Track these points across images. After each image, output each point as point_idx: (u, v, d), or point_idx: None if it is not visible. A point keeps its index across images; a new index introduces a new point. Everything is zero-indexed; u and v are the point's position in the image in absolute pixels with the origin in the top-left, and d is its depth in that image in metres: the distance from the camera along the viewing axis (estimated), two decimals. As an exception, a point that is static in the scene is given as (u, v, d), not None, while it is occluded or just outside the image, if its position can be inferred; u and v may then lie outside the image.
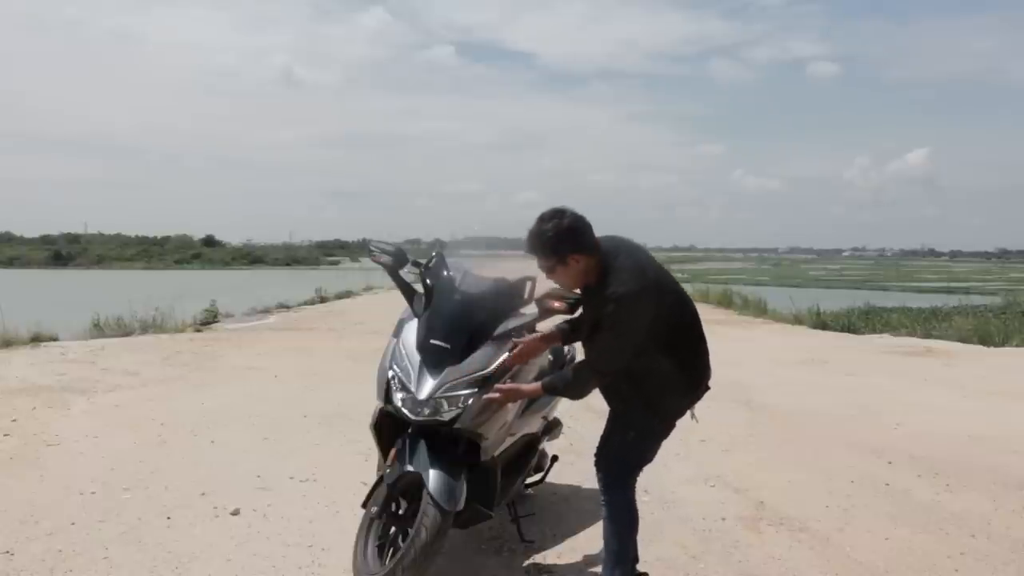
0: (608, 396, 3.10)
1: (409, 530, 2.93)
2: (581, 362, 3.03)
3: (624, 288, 2.78)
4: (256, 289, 20.34)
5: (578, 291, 3.08)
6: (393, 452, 3.15)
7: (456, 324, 3.21)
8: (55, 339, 10.46)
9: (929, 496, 4.46)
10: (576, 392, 3.06)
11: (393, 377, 3.15)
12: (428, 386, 3.06)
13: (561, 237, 2.83)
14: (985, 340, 11.58)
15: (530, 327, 3.33)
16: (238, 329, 12.91)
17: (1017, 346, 11.27)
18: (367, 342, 10.01)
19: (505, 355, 3.16)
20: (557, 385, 3.03)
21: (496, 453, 3.26)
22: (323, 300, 20.13)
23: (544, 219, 2.85)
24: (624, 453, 3.04)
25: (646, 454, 3.07)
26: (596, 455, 3.13)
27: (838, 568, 3.48)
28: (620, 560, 3.05)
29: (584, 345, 3.07)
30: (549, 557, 3.56)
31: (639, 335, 2.82)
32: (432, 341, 3.17)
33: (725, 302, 18.77)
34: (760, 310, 17.25)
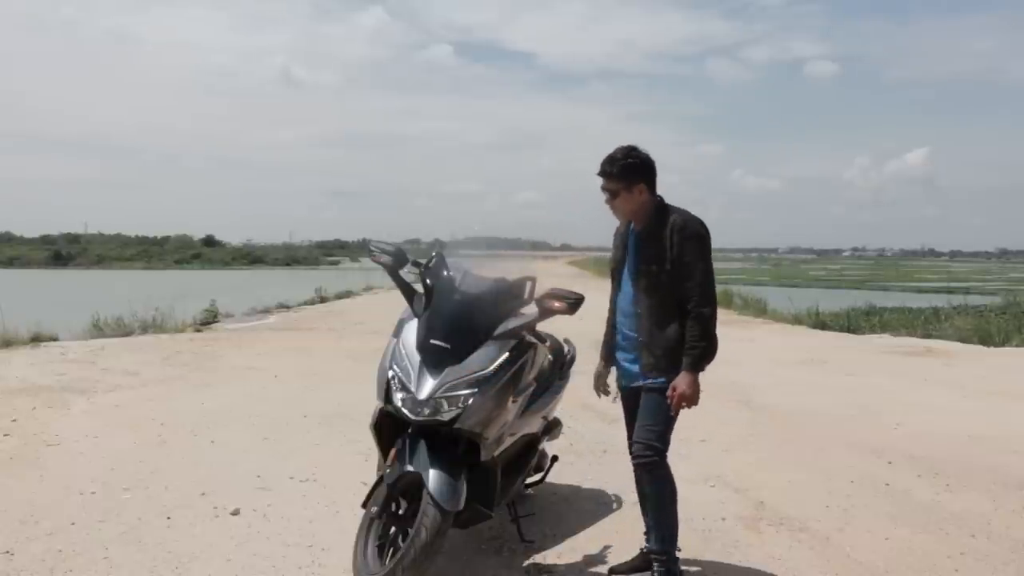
0: (651, 363, 3.08)
1: (409, 530, 2.93)
2: (691, 313, 2.98)
3: (689, 216, 3.09)
4: (256, 289, 20.35)
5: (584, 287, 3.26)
6: (393, 452, 3.15)
7: (456, 324, 3.21)
8: (55, 339, 10.46)
9: (929, 496, 4.46)
10: (713, 338, 3.03)
11: (393, 377, 3.15)
12: (428, 386, 3.06)
13: (637, 166, 3.10)
14: (985, 340, 11.58)
15: (530, 327, 3.33)
16: (238, 329, 12.91)
17: (1017, 346, 11.27)
18: (367, 342, 10.01)
19: (506, 355, 3.17)
20: (702, 355, 3.01)
21: (496, 453, 3.26)
22: (323, 300, 20.10)
23: (625, 148, 3.11)
24: (669, 426, 3.10)
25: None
26: (638, 442, 3.11)
27: (838, 568, 3.48)
28: (675, 533, 3.15)
29: (644, 288, 3.09)
30: (549, 557, 3.55)
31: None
32: (432, 341, 3.18)
33: (725, 302, 18.75)
34: (760, 310, 17.27)
